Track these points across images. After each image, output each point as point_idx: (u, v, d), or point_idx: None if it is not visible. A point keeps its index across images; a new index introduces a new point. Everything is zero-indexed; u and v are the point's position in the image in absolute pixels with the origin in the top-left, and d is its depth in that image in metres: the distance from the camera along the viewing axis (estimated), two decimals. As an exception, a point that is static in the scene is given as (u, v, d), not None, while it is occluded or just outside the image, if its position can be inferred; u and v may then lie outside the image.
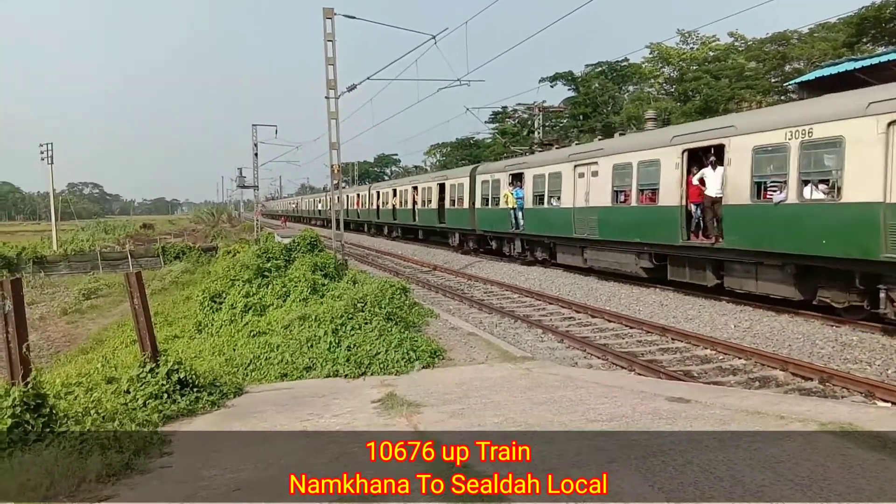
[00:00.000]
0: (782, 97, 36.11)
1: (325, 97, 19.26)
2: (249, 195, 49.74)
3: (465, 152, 74.27)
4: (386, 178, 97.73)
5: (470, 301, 17.33)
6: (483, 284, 20.86)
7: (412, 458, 5.01)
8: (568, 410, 6.39)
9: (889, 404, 7.99)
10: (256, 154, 41.90)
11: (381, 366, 9.39)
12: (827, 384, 8.91)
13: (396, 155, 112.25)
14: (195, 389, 7.71)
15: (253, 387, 9.19)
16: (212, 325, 15.89)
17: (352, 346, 9.99)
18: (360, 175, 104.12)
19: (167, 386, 7.46)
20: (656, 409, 6.19)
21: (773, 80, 39.97)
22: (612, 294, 17.08)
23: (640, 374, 9.79)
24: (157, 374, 7.55)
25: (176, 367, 7.67)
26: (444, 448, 4.97)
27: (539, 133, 38.15)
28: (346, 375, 9.19)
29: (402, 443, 5.48)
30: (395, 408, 6.75)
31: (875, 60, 13.99)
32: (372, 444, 5.21)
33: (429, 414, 6.48)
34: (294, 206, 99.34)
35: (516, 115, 63.71)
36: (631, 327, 13.21)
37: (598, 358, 11.04)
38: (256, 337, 12.40)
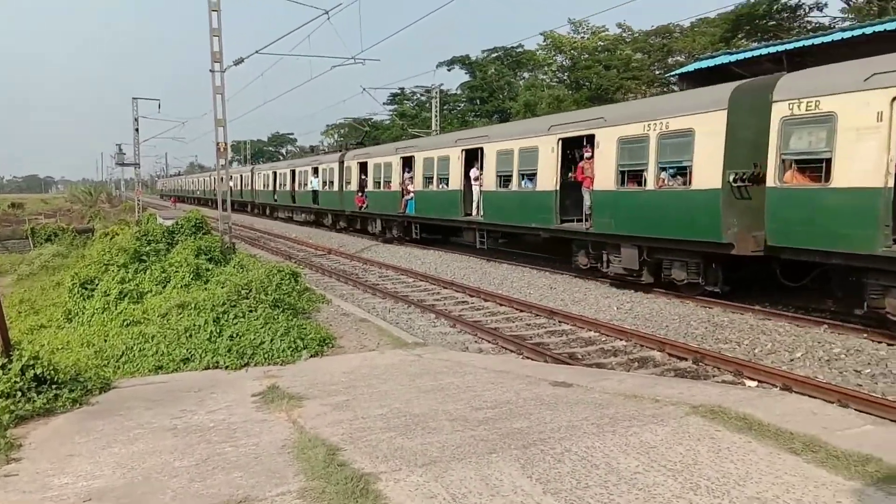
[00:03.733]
0: (665, 88, 37.92)
1: (210, 70, 18.22)
2: (135, 173, 46.17)
3: (363, 133, 73.19)
4: (281, 157, 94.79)
5: (364, 286, 17.06)
6: (378, 269, 20.62)
7: (288, 458, 4.75)
8: (454, 398, 6.32)
9: (755, 383, 8.52)
10: (137, 129, 39.26)
11: (266, 356, 8.97)
12: (700, 364, 9.39)
13: (293, 134, 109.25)
14: (54, 386, 7.05)
15: (123, 381, 8.53)
16: (82, 313, 14.69)
17: (234, 335, 9.48)
18: (253, 154, 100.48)
19: (21, 383, 6.78)
20: (539, 395, 6.24)
21: (657, 72, 41.90)
22: (505, 277, 17.33)
23: (527, 358, 9.93)
24: (8, 370, 6.85)
25: (32, 362, 6.99)
26: (322, 445, 4.75)
27: (436, 116, 38.12)
28: (227, 367, 8.71)
29: (279, 440, 5.22)
30: (275, 401, 6.44)
31: (749, 54, 14.87)
32: (245, 442, 4.90)
33: (311, 407, 6.22)
34: (195, 185, 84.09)
35: (414, 98, 63.47)
36: (521, 310, 13.43)
37: (489, 342, 11.12)
38: (130, 326, 11.57)
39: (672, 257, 13.57)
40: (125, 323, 12.15)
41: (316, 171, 35.29)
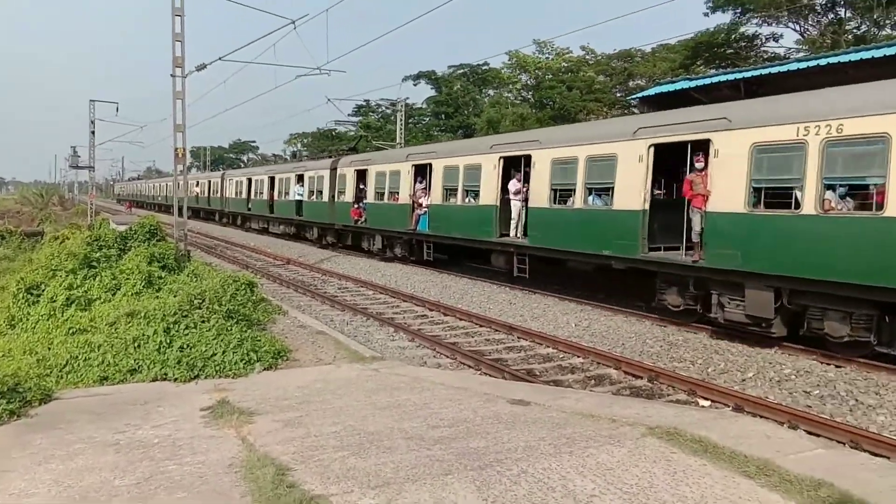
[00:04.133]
0: (625, 111, 38.65)
1: (171, 75, 17.83)
2: (89, 176, 44.50)
3: (326, 143, 72.75)
4: (242, 164, 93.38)
5: (322, 297, 16.80)
6: (338, 280, 20.37)
7: (235, 478, 4.57)
8: (411, 416, 6.20)
9: (709, 402, 8.61)
10: (93, 132, 38.21)
11: (217, 368, 8.71)
12: (655, 382, 9.47)
13: (255, 142, 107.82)
14: (-9, 397, 6.71)
15: (66, 392, 8.17)
16: (26, 319, 14.12)
17: (185, 346, 9.17)
18: (213, 161, 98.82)
19: (-47, 394, 6.43)
20: (497, 413, 6.17)
21: (618, 94, 42.73)
22: (465, 292, 17.28)
23: (486, 374, 9.87)
24: (-61, 380, 6.49)
25: (-34, 371, 6.63)
26: (272, 464, 4.58)
27: (401, 129, 38.10)
28: (175, 379, 8.42)
29: (226, 459, 5.03)
30: (224, 417, 6.22)
31: (707, 81, 15.22)
32: (191, 460, 4.70)
33: (262, 423, 6.03)
34: (156, 190, 76.50)
35: (379, 110, 63.39)
36: (480, 325, 13.38)
37: (447, 357, 11.03)
38: (76, 335, 11.12)
39: (829, 305, 10.18)
40: (71, 331, 11.67)
41: (301, 178, 31.91)
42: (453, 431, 5.58)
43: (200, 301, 10.47)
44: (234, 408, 6.57)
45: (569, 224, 15.06)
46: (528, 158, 16.61)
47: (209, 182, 51.82)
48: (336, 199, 27.79)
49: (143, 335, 9.58)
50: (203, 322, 9.93)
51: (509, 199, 17.42)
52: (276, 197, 35.49)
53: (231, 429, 5.87)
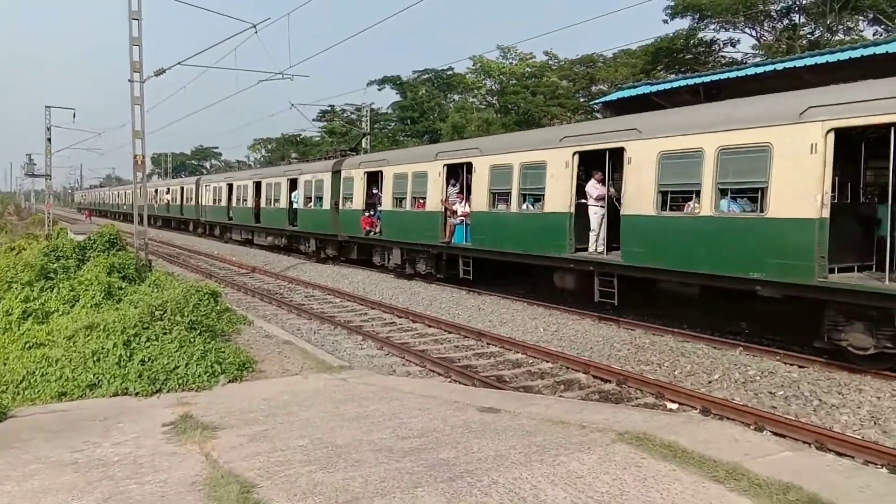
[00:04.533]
0: (589, 115, 39.11)
1: (129, 80, 17.45)
2: (45, 185, 42.66)
3: (292, 149, 72.07)
4: (205, 171, 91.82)
5: (289, 306, 16.58)
6: (305, 288, 20.13)
7: (198, 496, 4.43)
8: (379, 427, 6.11)
9: (676, 405, 8.69)
10: (49, 139, 37.19)
11: (180, 381, 8.49)
12: (623, 386, 9.52)
13: (217, 148, 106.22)
14: (-61, 416, 6.43)
15: (21, 409, 7.89)
16: (-21, 335, 13.65)
17: (146, 359, 8.92)
18: (174, 167, 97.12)
19: None
20: (467, 422, 6.12)
21: (581, 99, 43.22)
22: (434, 298, 17.21)
23: (455, 381, 9.82)
24: None
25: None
26: (236, 481, 4.45)
27: (367, 134, 37.89)
28: (137, 393, 8.19)
29: (189, 476, 4.88)
30: (187, 432, 6.04)
31: (668, 86, 15.46)
32: (152, 478, 4.54)
33: (226, 438, 5.87)
34: (119, 198, 69.92)
35: (345, 115, 63.02)
36: (449, 332, 13.33)
37: (416, 365, 10.95)
38: (33, 349, 10.77)
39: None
40: (27, 345, 11.30)
41: (295, 183, 28.08)
42: (423, 442, 5.50)
43: (162, 312, 10.21)
44: (197, 422, 6.39)
45: (691, 235, 11.76)
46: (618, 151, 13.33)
47: (182, 189, 47.17)
48: (341, 207, 24.06)
49: (103, 348, 9.31)
50: (165, 334, 9.69)
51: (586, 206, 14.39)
52: (263, 204, 31.71)
53: (194, 444, 5.71)
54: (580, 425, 5.71)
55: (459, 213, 17.78)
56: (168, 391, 8.24)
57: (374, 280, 20.78)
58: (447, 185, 18.36)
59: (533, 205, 15.34)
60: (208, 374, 8.72)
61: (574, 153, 13.98)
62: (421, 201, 19.22)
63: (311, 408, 7.11)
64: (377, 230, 21.76)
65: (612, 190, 14.09)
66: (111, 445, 5.94)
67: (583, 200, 14.38)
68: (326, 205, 25.20)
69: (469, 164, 17.28)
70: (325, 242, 26.44)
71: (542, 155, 14.88)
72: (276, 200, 30.02)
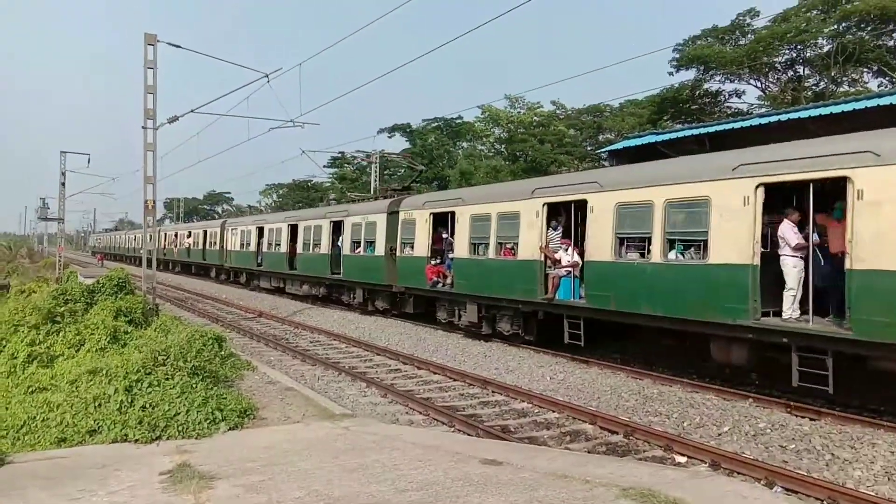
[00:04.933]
0: (596, 164, 39.42)
1: (143, 127, 17.80)
2: (58, 228, 42.88)
3: (302, 195, 72.91)
4: (217, 216, 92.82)
5: (294, 352, 16.49)
6: (310, 333, 20.07)
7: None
8: (378, 479, 5.99)
9: (685, 458, 8.49)
10: (63, 184, 37.81)
11: (180, 428, 8.39)
12: (631, 437, 9.33)
13: (229, 193, 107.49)
14: (-64, 462, 6.36)
15: (20, 456, 7.80)
16: (-15, 377, 13.63)
17: (147, 405, 8.84)
18: (186, 212, 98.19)
19: None
20: (468, 474, 5.98)
21: (588, 148, 43.66)
22: (440, 345, 17.09)
23: (459, 431, 9.67)
24: None
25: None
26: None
27: (375, 180, 38.30)
28: (136, 440, 8.09)
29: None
30: (183, 482, 5.94)
31: (674, 135, 15.63)
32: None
33: (222, 489, 5.77)
34: (136, 242, 64.27)
35: (355, 162, 63.83)
36: (455, 380, 13.19)
37: (420, 413, 10.80)
38: (35, 393, 10.73)
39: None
40: (30, 389, 11.26)
41: (338, 226, 25.31)
42: (421, 496, 5.38)
43: (165, 357, 10.17)
44: (194, 472, 6.29)
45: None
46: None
47: (205, 232, 43.88)
48: (398, 253, 20.81)
49: (104, 394, 9.25)
50: (167, 379, 9.63)
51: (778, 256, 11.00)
52: (299, 249, 28.75)
53: (189, 495, 5.61)
54: (584, 480, 5.57)
55: (564, 262, 14.77)
56: (168, 438, 8.13)
57: (381, 326, 20.69)
58: (547, 229, 15.31)
59: (682, 253, 12.11)
60: (209, 421, 8.62)
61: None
62: (511, 248, 16.24)
63: (310, 457, 6.99)
64: (447, 281, 18.54)
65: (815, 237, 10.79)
66: (106, 494, 5.85)
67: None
68: (379, 251, 21.99)
69: (582, 202, 14.11)
70: (375, 293, 23.12)
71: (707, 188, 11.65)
72: (316, 245, 27.01)
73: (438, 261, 19.23)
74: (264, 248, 32.58)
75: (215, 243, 40.82)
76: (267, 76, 19.06)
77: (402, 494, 5.44)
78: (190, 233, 48.75)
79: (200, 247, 44.46)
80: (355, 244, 23.92)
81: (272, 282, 32.71)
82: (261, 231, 33.44)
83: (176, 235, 52.76)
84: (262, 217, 37.48)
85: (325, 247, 26.33)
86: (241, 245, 35.88)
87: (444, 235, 19.20)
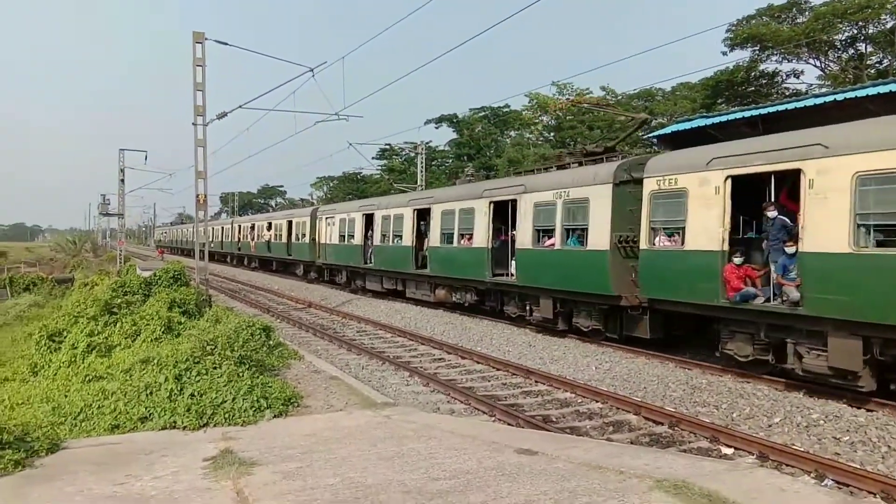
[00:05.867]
0: (647, 149, 38.50)
1: (193, 123, 18.29)
2: (118, 223, 44.55)
3: (352, 186, 73.73)
4: (271, 209, 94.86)
5: (340, 341, 16.74)
6: (357, 323, 20.33)
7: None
8: (413, 467, 6.03)
9: (731, 450, 8.26)
10: (123, 180, 39.25)
11: (227, 415, 8.62)
12: (676, 428, 9.14)
13: (282, 186, 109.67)
14: (-2, 446, 6.69)
15: (75, 441, 8.15)
16: (48, 366, 14.31)
17: (196, 393, 9.12)
18: (241, 206, 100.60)
19: (-40, 443, 6.43)
20: (502, 464, 5.96)
21: (639, 133, 42.59)
22: (485, 334, 17.06)
23: (499, 420, 9.64)
24: (-53, 429, 6.51)
25: (-26, 420, 6.65)
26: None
27: (422, 171, 38.40)
28: (184, 427, 8.35)
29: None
30: (224, 468, 6.11)
31: (724, 118, 15.09)
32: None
33: (261, 475, 5.90)
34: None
35: (403, 153, 64.17)
36: (498, 369, 13.16)
37: (461, 402, 10.82)
38: (92, 382, 11.20)
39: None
40: (87, 378, 11.76)
41: (501, 207, 18.14)
42: (453, 484, 5.39)
43: (213, 347, 10.46)
44: (235, 458, 6.46)
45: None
46: None
47: (290, 223, 37.62)
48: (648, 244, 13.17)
49: (155, 382, 9.58)
50: (215, 368, 9.90)
51: None
52: (434, 242, 21.48)
53: (229, 481, 5.76)
54: (618, 471, 5.48)
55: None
56: (214, 425, 8.36)
57: (426, 316, 20.77)
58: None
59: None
60: (254, 408, 8.83)
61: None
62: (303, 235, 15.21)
63: (349, 445, 7.08)
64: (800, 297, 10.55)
65: None
66: (151, 479, 6.06)
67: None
68: (601, 242, 14.32)
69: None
70: (583, 305, 15.27)
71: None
72: (466, 237, 19.46)
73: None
74: (377, 241, 25.79)
75: (303, 235, 34.77)
76: (312, 70, 19.30)
77: (433, 483, 5.46)
78: (270, 224, 42.43)
79: (284, 240, 38.37)
80: (540, 232, 16.42)
81: (385, 282, 25.86)
82: (369, 219, 26.78)
83: (253, 227, 46.30)
84: (371, 202, 29.37)
85: (479, 238, 18.74)
86: (342, 237, 29.21)
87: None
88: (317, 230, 32.56)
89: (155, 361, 10.34)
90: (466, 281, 19.67)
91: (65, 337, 15.52)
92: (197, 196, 18.72)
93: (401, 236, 23.68)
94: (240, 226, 50.44)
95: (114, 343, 14.39)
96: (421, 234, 22.97)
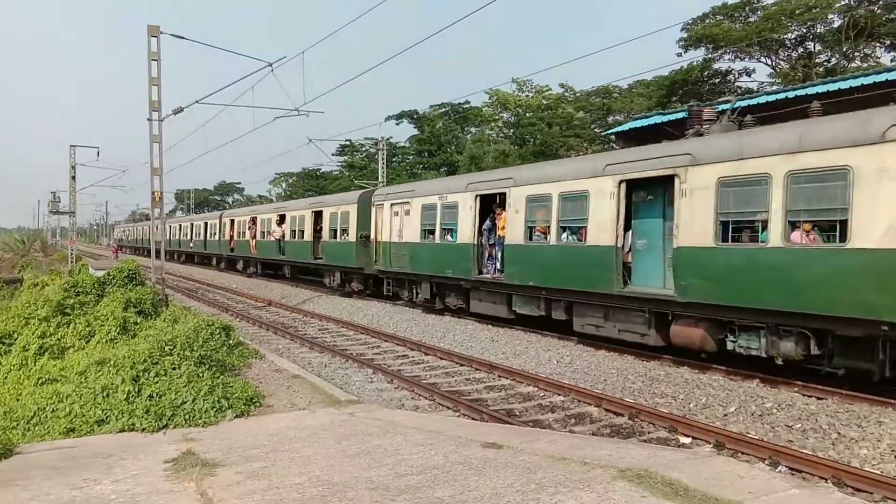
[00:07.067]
0: (605, 146, 39.10)
1: (148, 119, 17.86)
2: (69, 222, 43.00)
3: (312, 183, 72.98)
4: (227, 206, 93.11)
5: (302, 339, 16.59)
6: (319, 321, 20.16)
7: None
8: (379, 463, 6.02)
9: (689, 439, 8.48)
10: (74, 177, 38.08)
11: (187, 417, 8.46)
12: (636, 419, 9.32)
13: (240, 183, 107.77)
14: (-54, 454, 6.46)
15: (29, 446, 7.91)
16: (-2, 370, 13.84)
17: (154, 394, 8.93)
18: (197, 203, 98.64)
19: None
20: (468, 458, 6.00)
21: (597, 130, 43.27)
22: (448, 330, 17.12)
23: (463, 415, 9.70)
24: None
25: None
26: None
27: (383, 167, 38.25)
28: (143, 429, 8.17)
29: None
30: (186, 469, 6.00)
31: (680, 115, 15.46)
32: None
33: (224, 475, 5.82)
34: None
35: (363, 150, 63.77)
36: (461, 364, 13.22)
37: (426, 398, 10.84)
38: (46, 385, 10.88)
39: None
40: (40, 381, 11.43)
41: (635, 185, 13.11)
42: (420, 479, 5.41)
43: (171, 347, 10.26)
44: (197, 459, 6.35)
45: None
46: None
47: (316, 214, 28.83)
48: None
49: (112, 384, 9.34)
50: (174, 369, 9.71)
51: None
52: (512, 238, 16.14)
53: (191, 482, 5.66)
54: (582, 461, 5.57)
55: None
56: (174, 427, 8.21)
57: (389, 313, 20.73)
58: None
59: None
60: (215, 409, 8.69)
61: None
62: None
63: (314, 443, 7.03)
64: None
65: None
66: (110, 483, 5.92)
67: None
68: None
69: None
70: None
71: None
72: (565, 231, 14.70)
73: None
74: (436, 238, 19.39)
75: (344, 231, 25.61)
76: (271, 65, 19.04)
77: (400, 479, 5.47)
78: (283, 217, 32.48)
79: (308, 237, 29.22)
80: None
81: (452, 298, 19.27)
82: (405, 212, 20.96)
83: (254, 221, 36.08)
84: (448, 182, 21.51)
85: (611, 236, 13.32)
86: (427, 232, 19.95)
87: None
88: (373, 223, 23.13)
89: (111, 363, 10.07)
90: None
91: (15, 339, 15.03)
92: (153, 193, 18.30)
93: (432, 232, 19.52)
94: (232, 220, 40.37)
95: (67, 345, 13.99)
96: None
